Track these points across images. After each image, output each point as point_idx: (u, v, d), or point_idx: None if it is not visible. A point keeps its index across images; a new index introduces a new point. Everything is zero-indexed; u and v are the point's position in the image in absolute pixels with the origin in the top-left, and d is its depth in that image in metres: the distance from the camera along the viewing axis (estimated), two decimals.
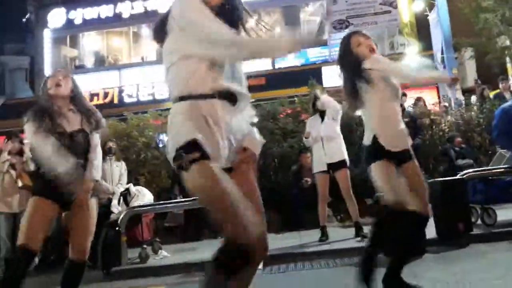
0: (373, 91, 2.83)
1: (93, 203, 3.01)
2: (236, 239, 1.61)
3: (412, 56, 17.59)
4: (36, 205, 2.82)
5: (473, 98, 9.17)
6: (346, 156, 5.30)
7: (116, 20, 18.63)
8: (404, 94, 8.00)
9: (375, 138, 2.84)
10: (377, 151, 2.83)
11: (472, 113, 7.79)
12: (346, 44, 2.99)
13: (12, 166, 5.39)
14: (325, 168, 5.26)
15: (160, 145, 8.08)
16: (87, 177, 2.96)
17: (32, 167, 5.31)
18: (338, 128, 5.34)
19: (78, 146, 2.91)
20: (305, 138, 5.46)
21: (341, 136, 5.36)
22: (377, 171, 2.84)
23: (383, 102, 2.85)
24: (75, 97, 3.02)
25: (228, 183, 1.70)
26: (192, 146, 1.68)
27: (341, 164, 5.23)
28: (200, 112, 1.73)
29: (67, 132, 2.88)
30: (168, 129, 1.82)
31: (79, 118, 2.96)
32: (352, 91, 2.94)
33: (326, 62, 16.19)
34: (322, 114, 5.40)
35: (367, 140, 2.91)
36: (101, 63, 19.59)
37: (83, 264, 2.97)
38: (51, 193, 2.83)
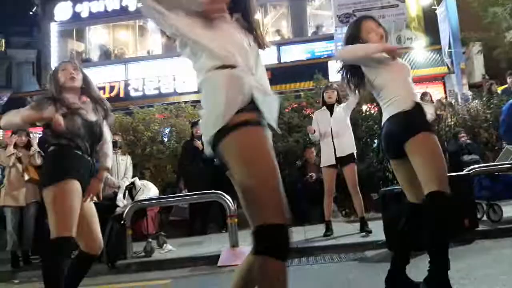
0: (385, 70, 2.68)
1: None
2: (271, 220, 1.49)
3: (419, 50, 17.49)
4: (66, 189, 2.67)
5: (469, 94, 9.10)
6: (355, 150, 5.27)
7: (122, 13, 18.64)
8: None
9: (417, 105, 2.60)
10: (422, 120, 2.58)
11: (472, 106, 7.75)
12: (356, 29, 2.81)
13: (19, 159, 5.41)
14: (333, 162, 5.20)
15: (165, 139, 8.10)
16: (102, 165, 2.99)
17: (38, 161, 5.34)
18: (348, 121, 5.28)
19: (95, 136, 2.92)
20: (311, 133, 5.34)
21: (351, 129, 5.31)
22: (428, 143, 2.56)
23: (400, 77, 2.69)
24: (86, 88, 3.02)
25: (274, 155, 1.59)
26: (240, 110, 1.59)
27: (350, 158, 5.19)
28: (240, 80, 1.66)
29: (89, 120, 2.90)
30: (204, 97, 1.72)
31: (92, 108, 2.97)
32: (359, 81, 2.79)
33: (332, 57, 16.11)
34: (331, 107, 5.35)
35: (399, 107, 2.61)
36: (107, 56, 19.63)
37: (94, 257, 2.93)
38: (76, 172, 2.74)
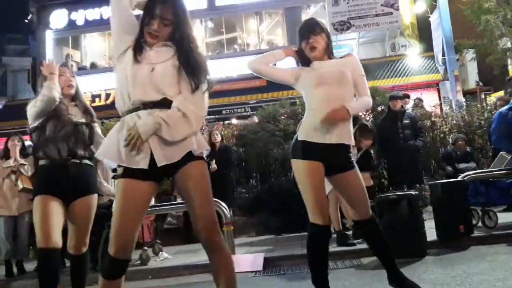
0: None
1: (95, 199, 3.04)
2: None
3: (413, 58, 17.61)
4: (40, 203, 2.80)
5: (463, 100, 9.20)
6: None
7: None
8: (407, 96, 7.99)
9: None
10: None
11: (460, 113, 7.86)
12: None
13: (13, 171, 5.37)
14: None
15: None
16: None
17: (29, 172, 5.29)
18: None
19: (82, 136, 2.95)
20: None
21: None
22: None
23: None
24: (77, 94, 3.09)
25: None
26: None
27: None
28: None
29: (72, 121, 2.93)
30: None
31: (81, 112, 3.03)
32: None
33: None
34: None
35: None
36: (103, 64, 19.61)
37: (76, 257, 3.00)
38: (51, 188, 2.82)
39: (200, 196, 1.99)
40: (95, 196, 3.01)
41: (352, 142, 2.74)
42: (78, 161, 2.91)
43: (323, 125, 2.62)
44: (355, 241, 4.98)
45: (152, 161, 1.93)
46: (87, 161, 2.98)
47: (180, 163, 1.97)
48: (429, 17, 16.56)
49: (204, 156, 2.07)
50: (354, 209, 2.78)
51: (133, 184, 1.95)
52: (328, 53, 2.82)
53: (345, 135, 2.68)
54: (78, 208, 2.91)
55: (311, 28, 2.78)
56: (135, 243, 2.04)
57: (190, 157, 1.99)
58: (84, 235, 2.97)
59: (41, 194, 2.82)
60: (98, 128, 3.12)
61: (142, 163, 1.93)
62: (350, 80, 2.73)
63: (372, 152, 5.28)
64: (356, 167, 2.76)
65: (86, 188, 2.95)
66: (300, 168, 2.68)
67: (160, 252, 5.56)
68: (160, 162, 1.93)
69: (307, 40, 2.76)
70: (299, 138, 2.72)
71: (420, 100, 9.22)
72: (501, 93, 12.59)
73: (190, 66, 2.00)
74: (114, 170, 1.99)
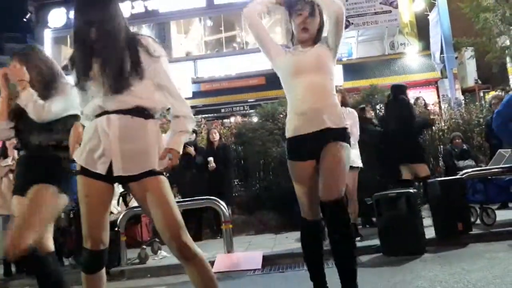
0: None
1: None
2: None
3: (412, 56, 17.61)
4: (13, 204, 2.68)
5: (462, 98, 9.13)
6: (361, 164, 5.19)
7: None
8: None
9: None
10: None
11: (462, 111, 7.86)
12: None
13: (11, 170, 5.37)
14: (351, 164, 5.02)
15: None
16: None
17: None
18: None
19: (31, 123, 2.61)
20: None
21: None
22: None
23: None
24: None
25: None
26: None
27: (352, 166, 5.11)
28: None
29: (14, 108, 2.73)
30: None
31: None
32: None
33: None
34: None
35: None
36: None
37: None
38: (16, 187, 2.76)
39: (162, 211, 1.99)
40: (49, 187, 2.58)
41: (341, 125, 2.55)
42: (30, 153, 2.64)
43: (307, 113, 2.51)
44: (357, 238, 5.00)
45: (109, 167, 1.96)
46: (46, 152, 2.61)
47: (139, 175, 1.99)
48: (428, 15, 16.57)
49: (163, 172, 2.07)
50: (321, 185, 2.49)
51: (90, 182, 2.00)
52: (316, 39, 2.69)
53: (331, 118, 2.51)
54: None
55: (311, 8, 2.63)
56: (108, 232, 2.12)
57: (149, 171, 2.00)
58: (27, 229, 2.55)
59: (13, 193, 2.71)
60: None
61: (99, 168, 1.97)
62: (330, 67, 2.64)
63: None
64: (341, 142, 2.51)
65: (38, 177, 2.60)
66: (290, 167, 2.70)
67: (159, 251, 5.56)
68: (117, 172, 1.96)
69: (302, 19, 2.63)
70: (286, 136, 2.66)
71: (418, 98, 9.22)
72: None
73: (108, 64, 1.96)
74: (73, 161, 2.08)
